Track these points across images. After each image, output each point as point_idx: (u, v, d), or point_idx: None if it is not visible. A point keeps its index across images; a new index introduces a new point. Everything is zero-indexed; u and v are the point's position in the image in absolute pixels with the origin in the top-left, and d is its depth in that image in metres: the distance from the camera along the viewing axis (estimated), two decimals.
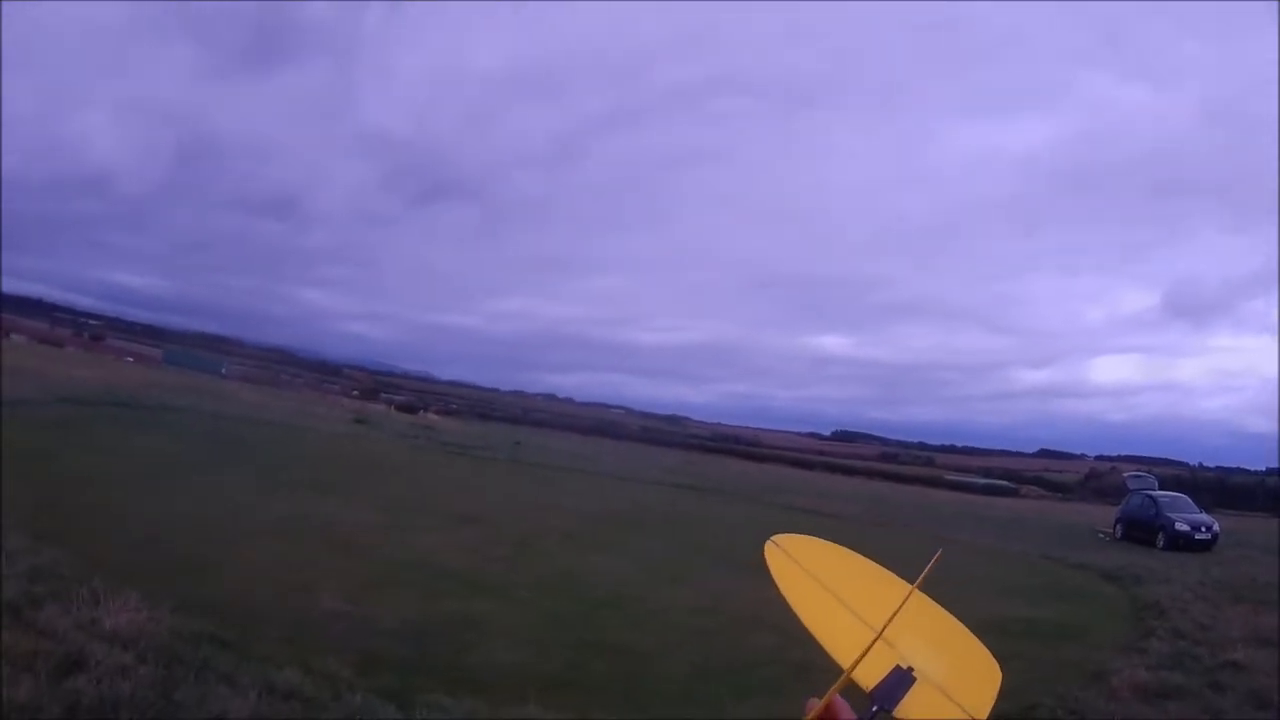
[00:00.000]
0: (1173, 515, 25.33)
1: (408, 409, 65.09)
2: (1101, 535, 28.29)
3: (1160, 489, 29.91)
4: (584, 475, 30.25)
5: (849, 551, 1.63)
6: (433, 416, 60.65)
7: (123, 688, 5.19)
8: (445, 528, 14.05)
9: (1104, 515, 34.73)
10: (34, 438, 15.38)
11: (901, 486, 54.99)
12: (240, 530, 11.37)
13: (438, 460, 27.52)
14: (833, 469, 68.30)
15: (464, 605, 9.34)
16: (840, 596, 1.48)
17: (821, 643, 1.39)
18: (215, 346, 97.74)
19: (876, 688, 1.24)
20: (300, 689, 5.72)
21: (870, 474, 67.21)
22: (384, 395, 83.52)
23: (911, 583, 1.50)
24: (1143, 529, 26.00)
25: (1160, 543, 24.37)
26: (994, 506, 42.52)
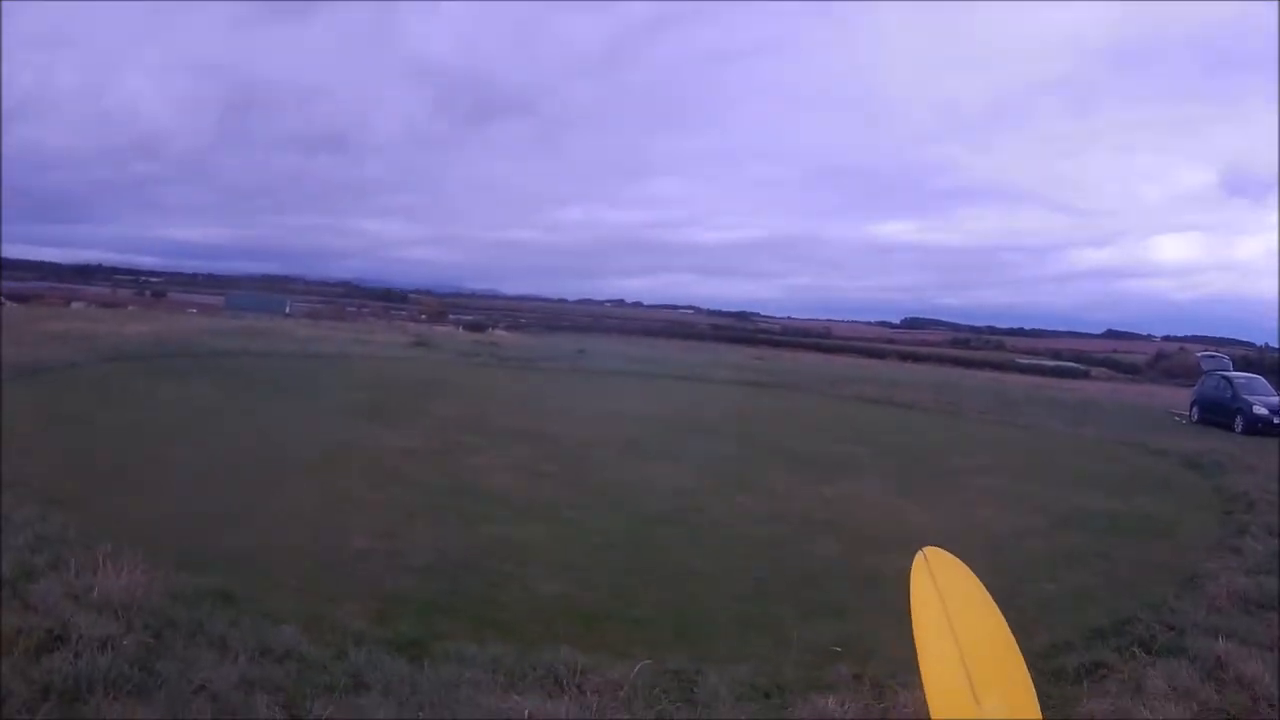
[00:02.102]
0: (1250, 398, 24.57)
1: (475, 328, 65.08)
2: (1177, 418, 27.40)
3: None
4: (649, 379, 29.50)
5: (990, 601, 1.73)
6: (499, 333, 60.47)
7: (99, 663, 4.64)
8: (495, 447, 13.45)
9: (1175, 397, 33.75)
10: (67, 401, 14.95)
11: (972, 371, 54.20)
12: (274, 471, 10.82)
13: (496, 377, 26.94)
14: (903, 357, 67.06)
15: (505, 531, 8.69)
16: (964, 652, 1.57)
17: (924, 681, 1.56)
18: (280, 287, 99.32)
19: None
20: (298, 649, 5.10)
21: (941, 360, 66.09)
22: (452, 316, 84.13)
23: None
24: (1219, 412, 25.19)
25: (1238, 426, 23.75)
26: (1065, 389, 41.34)
